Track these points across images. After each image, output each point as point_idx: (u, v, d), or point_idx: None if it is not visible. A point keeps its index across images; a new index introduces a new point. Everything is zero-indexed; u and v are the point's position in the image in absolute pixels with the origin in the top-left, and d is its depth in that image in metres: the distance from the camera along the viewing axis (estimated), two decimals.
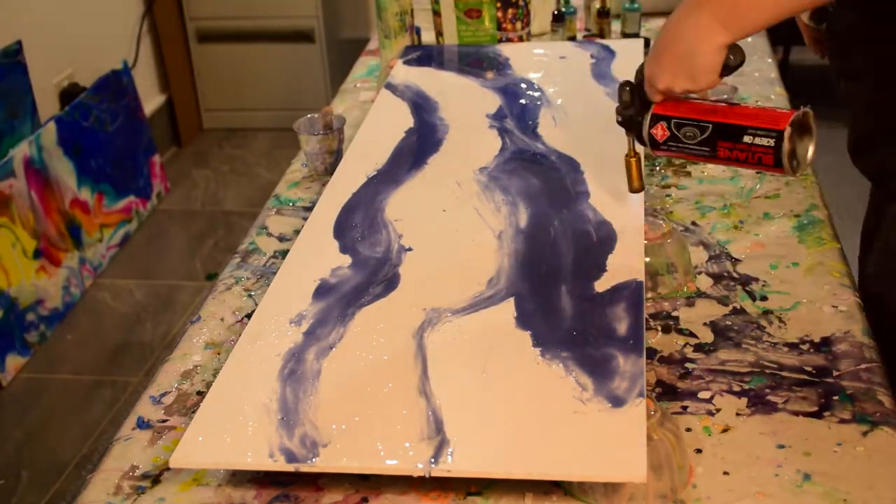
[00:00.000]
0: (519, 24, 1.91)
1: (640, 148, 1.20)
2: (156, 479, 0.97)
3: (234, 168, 3.59)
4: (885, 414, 0.98)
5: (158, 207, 3.33)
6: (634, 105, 1.15)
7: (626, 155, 1.22)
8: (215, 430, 0.96)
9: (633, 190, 1.23)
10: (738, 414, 0.99)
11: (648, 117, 1.13)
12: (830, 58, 1.28)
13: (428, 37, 1.97)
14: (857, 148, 1.23)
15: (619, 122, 1.18)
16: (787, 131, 1.03)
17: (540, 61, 1.77)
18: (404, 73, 1.72)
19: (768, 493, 0.89)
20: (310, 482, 0.94)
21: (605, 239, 1.20)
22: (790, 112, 1.04)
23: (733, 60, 1.07)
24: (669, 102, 1.12)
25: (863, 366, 1.05)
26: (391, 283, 1.16)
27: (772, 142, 1.03)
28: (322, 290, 1.15)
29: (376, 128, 1.56)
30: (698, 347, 1.10)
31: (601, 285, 1.12)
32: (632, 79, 1.16)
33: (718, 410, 1.00)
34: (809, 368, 1.05)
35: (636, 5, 2.00)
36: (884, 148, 1.18)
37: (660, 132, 1.12)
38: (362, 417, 0.96)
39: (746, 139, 1.05)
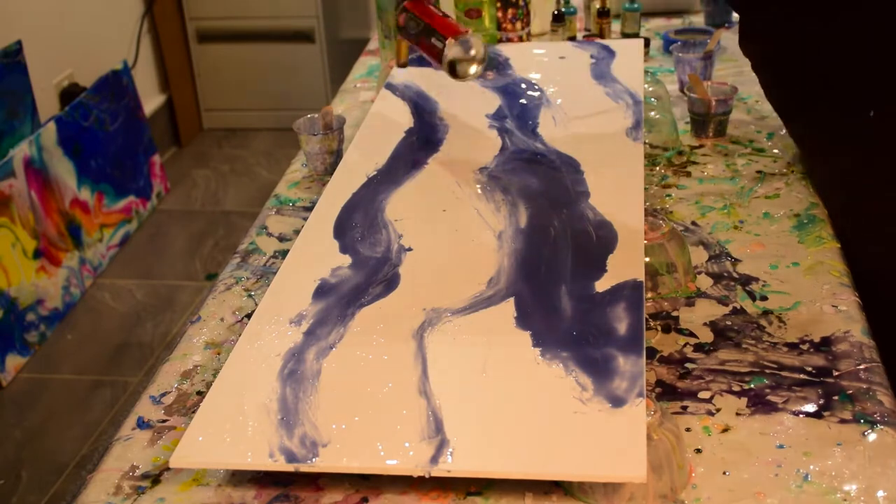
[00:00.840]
0: (519, 24, 1.91)
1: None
2: (156, 479, 0.97)
3: (234, 168, 3.59)
4: (885, 414, 0.98)
5: (158, 207, 3.33)
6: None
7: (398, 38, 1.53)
8: (215, 430, 0.96)
9: (400, 64, 1.58)
10: (738, 414, 0.99)
11: (402, 9, 1.44)
12: None
13: None
14: None
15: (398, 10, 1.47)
16: (450, 41, 1.38)
17: (540, 61, 1.77)
18: (404, 73, 1.72)
19: (768, 493, 0.89)
20: (310, 482, 0.94)
21: (605, 239, 1.20)
22: (463, 30, 1.39)
23: None
24: (420, 5, 1.43)
25: (863, 366, 1.05)
26: (391, 283, 1.16)
27: (441, 45, 1.38)
28: (322, 290, 1.15)
29: (376, 128, 1.56)
30: (698, 347, 1.10)
31: (601, 285, 1.12)
32: None
33: (718, 410, 1.00)
34: (809, 368, 1.05)
35: (636, 5, 2.00)
36: None
37: (401, 19, 1.45)
38: (362, 417, 0.96)
39: (433, 40, 1.39)
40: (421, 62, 1.76)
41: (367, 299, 1.13)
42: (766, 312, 1.15)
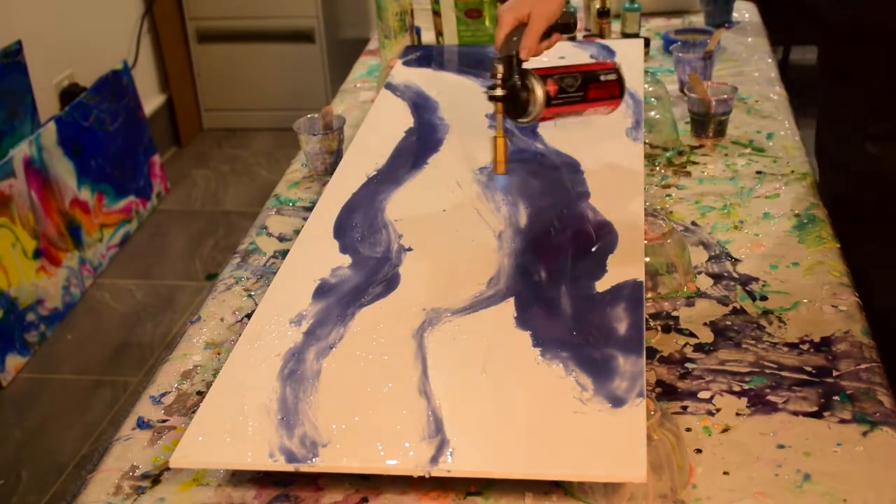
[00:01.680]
0: None
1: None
2: (156, 479, 0.97)
3: (234, 168, 3.59)
4: (885, 414, 0.98)
5: (158, 207, 3.33)
6: (512, 77, 1.23)
7: (497, 136, 1.25)
8: (215, 430, 0.96)
9: (499, 171, 1.27)
10: (738, 414, 0.99)
11: (536, 80, 1.22)
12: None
13: (428, 37, 1.97)
14: None
15: (496, 98, 1.23)
16: (618, 64, 1.30)
17: (540, 61, 1.76)
18: (404, 73, 1.72)
19: (768, 493, 0.89)
20: (310, 482, 0.94)
21: (605, 239, 1.20)
22: (605, 60, 1.37)
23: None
24: (538, 69, 1.25)
25: (863, 366, 1.05)
26: (391, 283, 1.15)
27: (615, 76, 1.29)
28: (322, 290, 1.15)
29: (376, 128, 1.56)
30: (698, 347, 1.10)
31: (601, 285, 1.12)
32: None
33: (718, 410, 1.00)
34: (809, 368, 1.05)
35: (636, 5, 2.00)
36: None
37: (552, 87, 1.23)
38: (362, 417, 0.96)
39: (602, 78, 1.28)
40: (420, 63, 1.76)
41: (367, 299, 1.13)
42: (766, 312, 1.15)
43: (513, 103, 1.23)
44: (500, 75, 1.22)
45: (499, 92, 1.22)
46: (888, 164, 1.28)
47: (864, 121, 1.29)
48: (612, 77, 1.29)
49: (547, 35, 1.28)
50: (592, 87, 1.27)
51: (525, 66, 1.25)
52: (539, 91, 1.21)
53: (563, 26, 1.29)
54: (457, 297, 1.12)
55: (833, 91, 1.38)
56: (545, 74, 1.24)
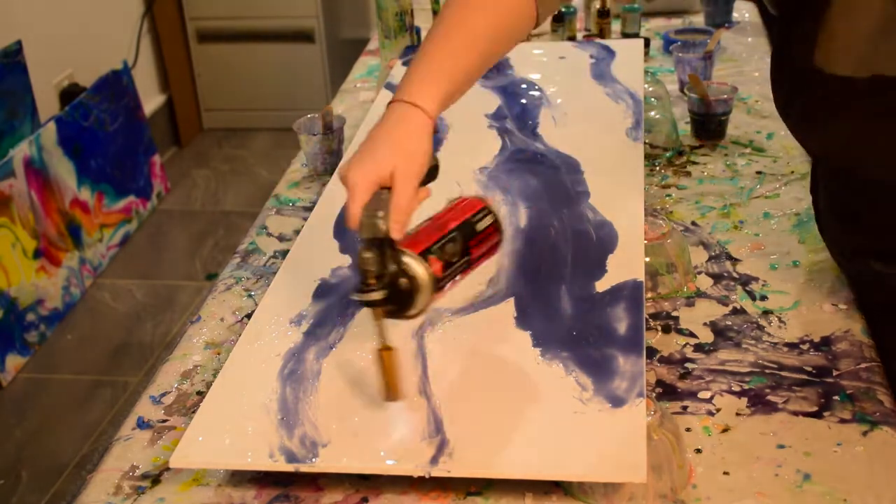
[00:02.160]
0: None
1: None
2: (156, 479, 0.97)
3: (234, 168, 3.59)
4: (885, 414, 0.98)
5: (158, 207, 3.33)
6: (387, 267, 0.94)
7: (381, 348, 0.95)
8: (215, 430, 0.96)
9: (391, 398, 0.96)
10: (738, 414, 0.99)
11: (415, 262, 0.94)
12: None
13: None
14: None
15: (374, 304, 0.93)
16: (489, 202, 1.05)
17: (540, 61, 1.77)
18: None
19: (768, 493, 0.89)
20: (310, 482, 0.94)
21: (605, 239, 1.20)
22: (470, 198, 1.06)
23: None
24: (406, 241, 0.97)
25: (863, 365, 1.05)
26: None
27: (492, 218, 1.04)
28: (322, 290, 1.15)
29: None
30: (698, 347, 1.10)
31: (601, 285, 1.12)
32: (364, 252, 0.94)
33: (718, 410, 1.00)
34: (809, 368, 1.05)
35: (636, 5, 2.00)
36: None
37: (435, 265, 0.96)
38: (362, 417, 0.96)
39: (479, 226, 1.02)
40: None
41: None
42: (766, 312, 1.15)
43: (397, 301, 0.95)
44: (373, 270, 0.92)
45: (377, 295, 0.93)
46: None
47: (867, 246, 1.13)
48: (488, 222, 1.03)
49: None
50: (473, 245, 1.01)
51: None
52: (424, 276, 0.94)
53: (429, 174, 1.01)
54: (457, 297, 1.11)
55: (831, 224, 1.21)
56: (427, 247, 0.96)
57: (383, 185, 0.96)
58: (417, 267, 0.94)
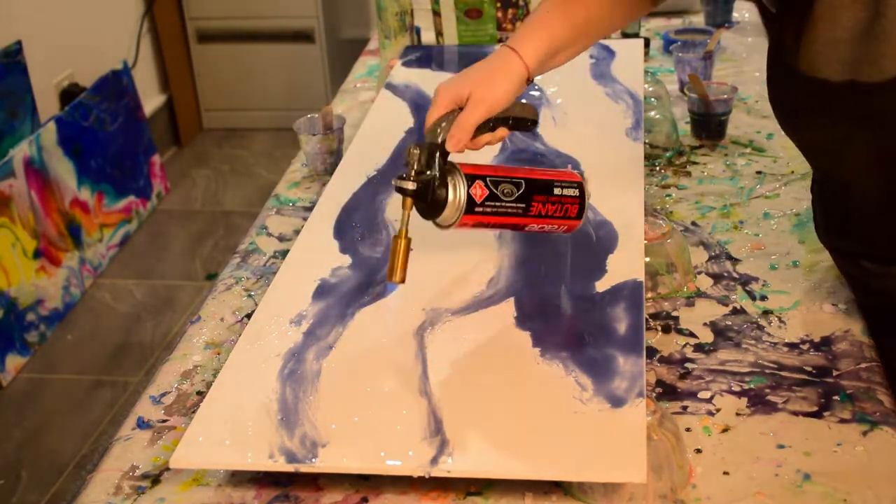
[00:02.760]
0: (519, 24, 1.91)
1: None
2: (156, 479, 0.97)
3: (234, 168, 3.59)
4: (885, 414, 0.98)
5: (158, 207, 3.33)
6: (430, 170, 1.00)
7: (397, 235, 1.00)
8: (215, 430, 0.96)
9: (397, 281, 1.00)
10: (738, 414, 0.99)
11: (459, 178, 1.00)
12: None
13: (428, 37, 1.97)
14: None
15: (405, 192, 0.99)
16: (585, 178, 1.08)
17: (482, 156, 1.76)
18: (404, 74, 1.72)
19: (768, 493, 0.89)
20: (310, 482, 0.94)
21: (605, 239, 1.20)
22: (571, 171, 1.10)
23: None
24: (469, 165, 1.02)
25: (863, 365, 1.05)
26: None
27: (576, 191, 1.07)
28: (322, 290, 1.15)
29: (376, 128, 1.56)
30: (698, 347, 1.10)
31: (601, 285, 1.12)
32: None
33: (718, 410, 1.00)
34: (809, 368, 1.05)
35: None
36: None
37: (479, 191, 1.00)
38: (362, 417, 0.96)
39: (556, 191, 1.05)
40: (420, 63, 1.76)
41: (367, 299, 1.13)
42: (766, 312, 1.15)
43: (428, 200, 1.00)
44: (415, 164, 1.00)
45: (409, 185, 0.99)
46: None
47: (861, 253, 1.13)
48: (571, 193, 1.06)
49: (491, 128, 1.07)
50: (538, 201, 1.04)
51: (459, 159, 1.03)
52: (460, 192, 0.99)
53: (519, 121, 1.08)
54: (457, 297, 1.12)
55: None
56: (476, 174, 1.01)
57: (460, 104, 1.05)
58: (456, 183, 1.00)
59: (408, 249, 1.00)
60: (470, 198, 0.99)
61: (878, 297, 1.14)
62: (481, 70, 1.09)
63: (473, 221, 1.02)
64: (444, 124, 1.03)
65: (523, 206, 1.03)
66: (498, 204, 1.02)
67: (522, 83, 1.09)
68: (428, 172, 1.00)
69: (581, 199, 1.07)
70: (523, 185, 1.03)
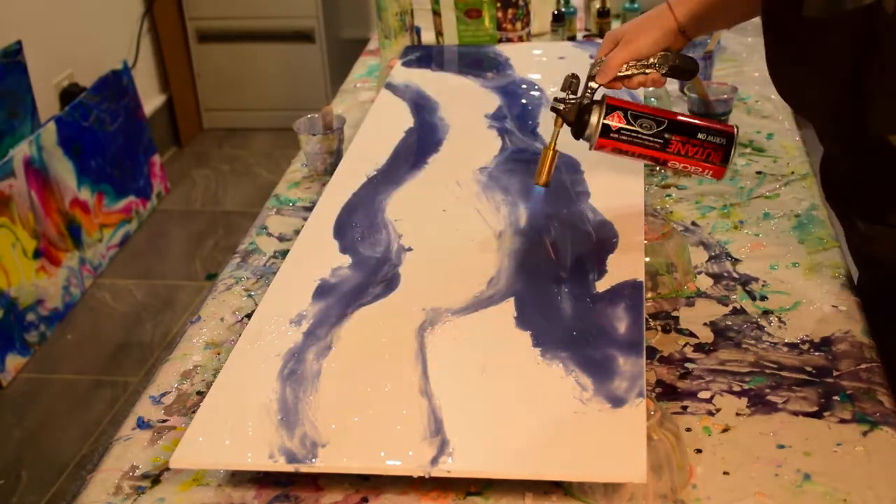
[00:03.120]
0: (519, 24, 1.91)
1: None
2: (156, 479, 0.97)
3: (234, 168, 3.59)
4: (885, 414, 0.98)
5: (158, 207, 3.33)
6: (580, 96, 1.18)
7: (547, 147, 1.18)
8: (215, 430, 0.96)
9: (541, 183, 1.19)
10: (738, 414, 0.99)
11: (603, 106, 1.16)
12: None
13: (428, 37, 1.97)
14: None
15: (557, 110, 1.18)
16: (737, 133, 1.16)
17: (540, 61, 1.77)
18: (404, 74, 1.72)
19: (768, 493, 0.89)
20: (310, 482, 0.94)
21: (605, 239, 1.20)
22: (728, 125, 1.19)
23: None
24: (618, 99, 1.18)
25: (863, 366, 1.05)
26: (391, 283, 1.16)
27: (724, 140, 1.16)
28: (322, 290, 1.15)
29: (376, 128, 1.56)
30: (698, 347, 1.10)
31: (601, 285, 1.12)
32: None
33: (718, 410, 1.00)
34: (809, 368, 1.05)
35: (636, 5, 2.00)
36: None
37: (615, 120, 1.16)
38: (362, 417, 0.96)
39: (700, 136, 1.16)
40: (420, 63, 1.76)
41: (367, 299, 1.13)
42: (766, 312, 1.15)
43: (578, 122, 1.18)
44: (569, 90, 1.18)
45: (559, 105, 1.18)
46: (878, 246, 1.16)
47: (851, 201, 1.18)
48: (716, 140, 1.15)
49: (647, 73, 1.19)
50: (678, 140, 1.16)
51: (618, 94, 1.20)
52: (594, 118, 1.16)
53: (676, 69, 1.19)
54: (457, 297, 1.12)
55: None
56: (618, 106, 1.17)
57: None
58: (595, 109, 1.16)
59: (554, 159, 1.18)
60: (606, 125, 1.16)
61: (875, 270, 1.17)
62: (639, 19, 1.21)
63: (611, 146, 1.17)
64: (601, 61, 1.20)
65: (661, 141, 1.16)
66: (634, 134, 1.16)
67: (673, 35, 1.19)
68: (577, 97, 1.18)
69: (728, 147, 1.16)
70: (665, 124, 1.16)
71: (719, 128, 1.17)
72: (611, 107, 1.16)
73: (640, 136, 1.16)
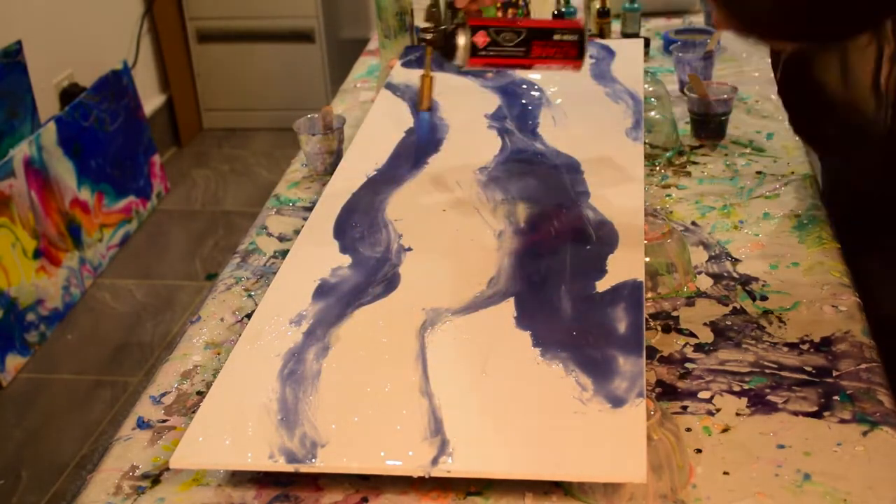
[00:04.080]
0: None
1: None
2: (156, 479, 0.97)
3: (234, 168, 3.59)
4: (885, 414, 0.98)
5: (158, 207, 3.33)
6: (446, 24, 1.30)
7: (423, 74, 1.29)
8: (215, 430, 0.96)
9: (423, 109, 1.31)
10: (738, 414, 0.99)
11: (465, 29, 1.24)
12: None
13: None
14: None
15: (424, 41, 1.28)
16: (586, 26, 1.28)
17: None
18: (404, 74, 1.72)
19: (768, 493, 0.89)
20: (310, 482, 0.94)
21: (605, 239, 1.20)
22: (574, 19, 1.33)
23: None
24: (479, 19, 1.26)
25: (863, 366, 1.05)
26: (391, 283, 1.16)
27: (576, 37, 1.24)
28: (322, 290, 1.15)
29: (376, 128, 1.56)
30: (698, 347, 1.10)
31: (601, 285, 1.12)
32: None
33: (718, 410, 1.00)
34: (809, 368, 1.05)
35: (636, 5, 2.00)
36: None
37: (481, 39, 1.23)
38: (362, 417, 0.96)
39: (556, 37, 1.24)
40: (420, 63, 1.76)
41: (367, 299, 1.13)
42: (766, 312, 1.15)
43: (447, 47, 1.26)
44: (433, 20, 1.33)
45: (427, 35, 1.30)
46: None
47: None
48: (569, 38, 1.25)
49: None
50: (538, 45, 1.25)
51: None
52: (462, 40, 1.24)
53: None
54: (457, 297, 1.12)
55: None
56: (482, 25, 1.25)
57: None
58: (461, 33, 1.23)
59: (431, 85, 1.28)
60: (473, 44, 1.23)
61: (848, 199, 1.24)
62: None
63: (482, 63, 1.25)
64: None
65: (524, 49, 1.24)
66: (500, 48, 1.24)
67: None
68: (443, 25, 1.29)
69: (580, 42, 1.24)
70: (524, 33, 1.23)
71: (570, 26, 1.25)
72: (474, 27, 1.24)
73: (505, 49, 1.24)
